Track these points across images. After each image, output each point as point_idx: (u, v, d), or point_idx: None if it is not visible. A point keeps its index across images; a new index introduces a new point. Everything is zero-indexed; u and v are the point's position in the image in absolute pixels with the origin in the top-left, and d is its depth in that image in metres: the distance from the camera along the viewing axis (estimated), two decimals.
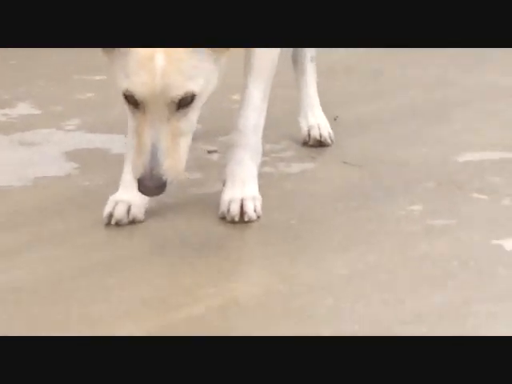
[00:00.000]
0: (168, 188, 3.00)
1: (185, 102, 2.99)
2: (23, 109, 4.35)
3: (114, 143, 3.72)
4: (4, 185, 3.61)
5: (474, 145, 3.94)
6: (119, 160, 3.40)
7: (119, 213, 3.30)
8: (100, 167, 3.65)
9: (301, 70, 4.05)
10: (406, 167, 3.76)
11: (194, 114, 3.09)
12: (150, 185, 2.95)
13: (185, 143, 3.09)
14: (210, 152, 3.82)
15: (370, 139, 4.03)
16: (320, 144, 3.93)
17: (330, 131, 3.98)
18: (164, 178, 2.95)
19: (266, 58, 3.50)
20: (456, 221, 3.30)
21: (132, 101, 2.98)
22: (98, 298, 2.88)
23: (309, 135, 3.96)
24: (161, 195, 3.13)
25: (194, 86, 3.00)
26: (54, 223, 3.31)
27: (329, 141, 3.95)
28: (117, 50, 3.07)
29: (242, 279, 3.13)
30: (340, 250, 3.14)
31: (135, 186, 3.25)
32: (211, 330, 2.71)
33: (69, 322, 2.75)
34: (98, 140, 3.96)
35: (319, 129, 3.97)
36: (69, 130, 4.10)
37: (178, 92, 2.96)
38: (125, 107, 3.13)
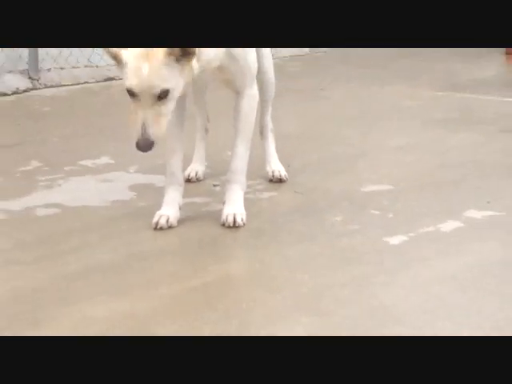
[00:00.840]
0: (154, 147, 3.07)
1: (163, 95, 3.03)
2: (104, 160, 4.37)
3: (158, 180, 3.76)
4: (92, 205, 3.67)
5: (371, 181, 3.95)
6: (161, 190, 3.49)
7: (162, 222, 3.34)
8: (150, 195, 3.73)
9: (265, 137, 4.01)
10: (331, 194, 3.80)
11: (170, 102, 3.12)
12: (142, 144, 3.02)
13: (164, 120, 3.11)
14: (214, 186, 3.84)
15: (309, 178, 4.04)
16: (280, 181, 3.93)
17: (286, 173, 3.97)
18: (150, 139, 3.01)
19: (246, 128, 3.47)
20: (361, 226, 3.37)
21: (131, 93, 3.04)
22: (139, 272, 3.00)
23: (273, 176, 3.95)
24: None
25: (167, 85, 3.03)
26: (122, 227, 3.40)
27: (285, 179, 3.94)
28: (120, 61, 3.10)
29: (232, 262, 3.24)
30: (293, 244, 3.24)
31: (173, 205, 3.44)
32: (208, 295, 2.84)
33: (121, 288, 2.88)
34: (148, 178, 4.02)
35: (279, 172, 3.96)
36: (131, 173, 4.16)
37: (157, 89, 3.01)
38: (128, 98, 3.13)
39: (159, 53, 3.06)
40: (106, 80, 6.38)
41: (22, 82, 5.92)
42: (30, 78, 5.99)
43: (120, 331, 2.48)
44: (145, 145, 3.00)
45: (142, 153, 3.09)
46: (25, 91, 5.88)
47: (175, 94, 3.09)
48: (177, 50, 3.05)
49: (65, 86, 6.11)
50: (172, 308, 2.74)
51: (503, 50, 7.30)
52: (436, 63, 7.00)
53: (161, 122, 3.07)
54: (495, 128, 4.94)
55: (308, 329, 2.52)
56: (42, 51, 6.03)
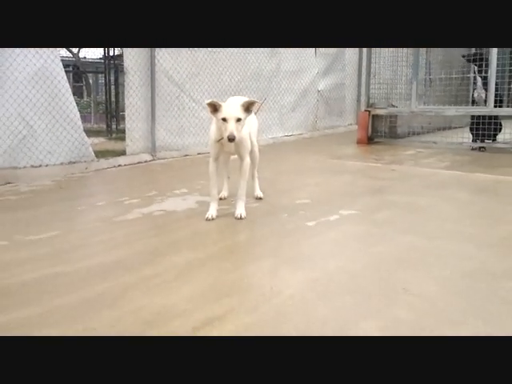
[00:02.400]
0: (235, 140, 2.90)
1: (239, 119, 2.90)
2: (183, 190, 4.16)
3: (207, 199, 3.38)
4: (178, 210, 3.55)
5: (300, 198, 3.80)
6: (208, 203, 3.32)
7: (209, 217, 3.24)
8: (204, 204, 3.52)
9: (254, 179, 3.76)
10: (282, 204, 3.64)
11: (242, 125, 2.98)
12: (232, 137, 2.86)
13: (240, 132, 2.96)
14: (232, 201, 3.59)
15: (273, 197, 3.84)
16: (260, 199, 3.74)
17: (262, 195, 3.77)
18: (234, 135, 2.86)
19: (244, 175, 3.30)
20: (295, 218, 3.24)
21: (224, 119, 2.91)
22: (200, 238, 2.92)
23: (257, 196, 3.75)
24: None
25: (240, 115, 2.90)
26: (192, 219, 3.29)
27: (262, 198, 3.74)
28: (219, 107, 2.94)
29: (239, 234, 3.07)
30: (266, 226, 3.16)
31: (214, 209, 3.29)
32: (231, 248, 2.80)
33: (192, 246, 2.80)
34: (203, 198, 3.76)
35: (260, 195, 3.77)
36: (195, 196, 3.95)
37: (237, 117, 2.89)
38: (219, 124, 2.98)
39: (238, 103, 2.99)
40: (184, 156, 6.13)
41: (148, 157, 5.86)
42: (152, 155, 5.91)
43: (191, 266, 2.46)
44: (233, 138, 2.88)
45: (231, 142, 2.94)
46: (150, 161, 5.79)
47: (242, 122, 2.97)
48: (245, 105, 2.98)
49: (166, 158, 5.96)
50: (217, 254, 2.70)
51: (355, 140, 6.97)
52: (326, 147, 6.68)
53: (239, 132, 2.95)
54: (353, 174, 4.83)
55: (271, 263, 2.52)
56: (158, 143, 5.99)
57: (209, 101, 3.01)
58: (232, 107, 2.96)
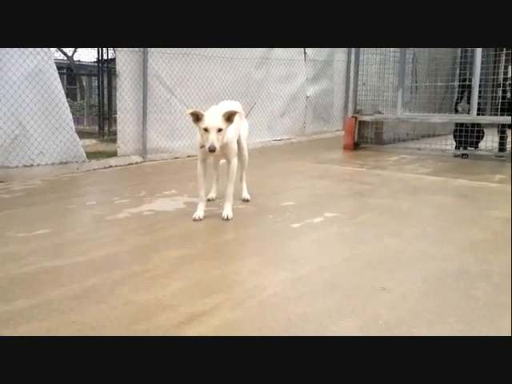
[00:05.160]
0: (216, 151, 2.91)
1: (220, 129, 2.91)
2: (173, 191, 4.19)
3: (195, 199, 3.43)
4: (167, 210, 3.57)
5: (285, 201, 3.84)
6: (196, 203, 3.36)
7: (197, 217, 3.27)
8: (192, 205, 3.53)
9: (242, 182, 3.79)
10: (268, 206, 3.66)
11: (223, 134, 2.97)
12: (212, 148, 2.88)
13: (220, 142, 2.95)
14: (220, 202, 3.58)
15: (259, 199, 3.86)
16: (247, 201, 3.75)
17: (249, 197, 3.77)
18: (215, 147, 2.88)
19: (232, 177, 3.32)
20: (281, 219, 3.29)
21: (206, 129, 2.92)
22: (188, 237, 2.92)
23: (244, 198, 3.77)
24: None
25: (221, 126, 2.91)
26: (180, 219, 3.30)
27: (249, 200, 3.75)
28: (201, 116, 2.94)
29: (226, 234, 3.07)
30: (252, 227, 3.19)
31: (201, 210, 3.31)
32: (218, 247, 2.82)
33: (180, 244, 2.81)
34: (192, 199, 3.79)
35: (247, 197, 3.77)
36: (184, 197, 3.97)
37: (218, 127, 2.90)
38: (201, 133, 2.98)
39: (219, 113, 2.97)
40: (175, 158, 6.17)
41: (139, 159, 5.89)
42: (142, 157, 5.94)
43: (178, 263, 2.47)
44: (213, 149, 2.89)
45: (211, 153, 2.95)
46: (140, 163, 5.80)
47: (223, 132, 2.97)
48: (226, 116, 2.97)
49: (157, 160, 5.99)
50: (204, 252, 2.71)
51: (342, 146, 7.01)
52: (313, 152, 6.67)
53: (220, 142, 2.96)
54: (338, 178, 4.88)
55: (256, 261, 2.54)
56: (149, 145, 6.03)
57: (191, 110, 3.00)
58: (213, 118, 2.95)
